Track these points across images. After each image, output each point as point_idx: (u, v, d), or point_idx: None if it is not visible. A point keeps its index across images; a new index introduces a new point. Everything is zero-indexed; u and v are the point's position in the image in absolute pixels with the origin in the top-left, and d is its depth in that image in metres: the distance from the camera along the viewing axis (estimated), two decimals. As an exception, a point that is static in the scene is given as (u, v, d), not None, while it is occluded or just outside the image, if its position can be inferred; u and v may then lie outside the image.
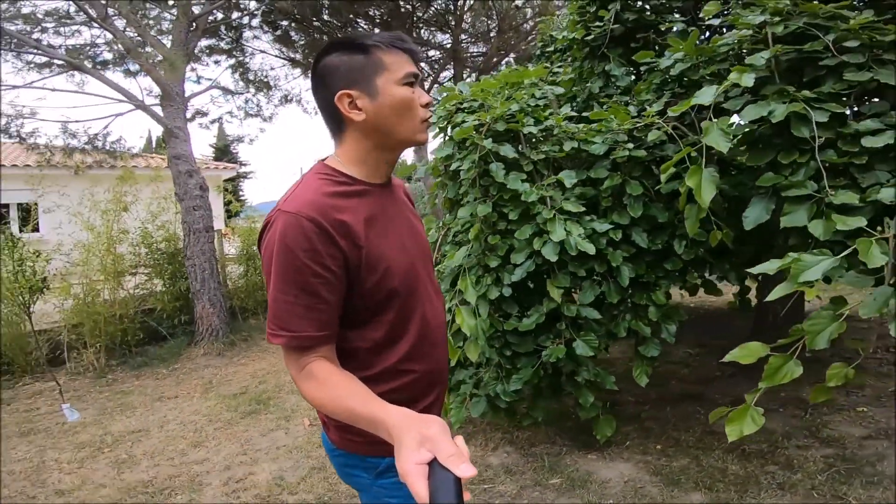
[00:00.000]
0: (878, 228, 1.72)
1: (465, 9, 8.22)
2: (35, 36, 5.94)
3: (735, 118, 2.27)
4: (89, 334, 5.61)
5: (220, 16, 6.64)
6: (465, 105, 2.79)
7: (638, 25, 3.05)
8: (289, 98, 7.59)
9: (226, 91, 7.29)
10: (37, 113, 6.30)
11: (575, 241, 2.20)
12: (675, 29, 2.99)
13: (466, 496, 0.64)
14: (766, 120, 2.05)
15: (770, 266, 1.60)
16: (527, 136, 2.54)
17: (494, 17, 8.04)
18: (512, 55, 8.69)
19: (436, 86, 8.33)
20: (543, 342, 2.45)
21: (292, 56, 7.62)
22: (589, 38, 3.00)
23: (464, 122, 2.55)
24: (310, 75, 1.07)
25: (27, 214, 7.17)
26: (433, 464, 0.66)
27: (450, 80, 8.36)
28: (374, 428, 0.82)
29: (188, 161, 6.09)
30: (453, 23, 7.79)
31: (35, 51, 5.49)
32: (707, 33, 3.16)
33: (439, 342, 1.15)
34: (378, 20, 7.25)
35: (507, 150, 2.42)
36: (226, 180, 13.14)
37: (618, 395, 3.46)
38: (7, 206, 8.99)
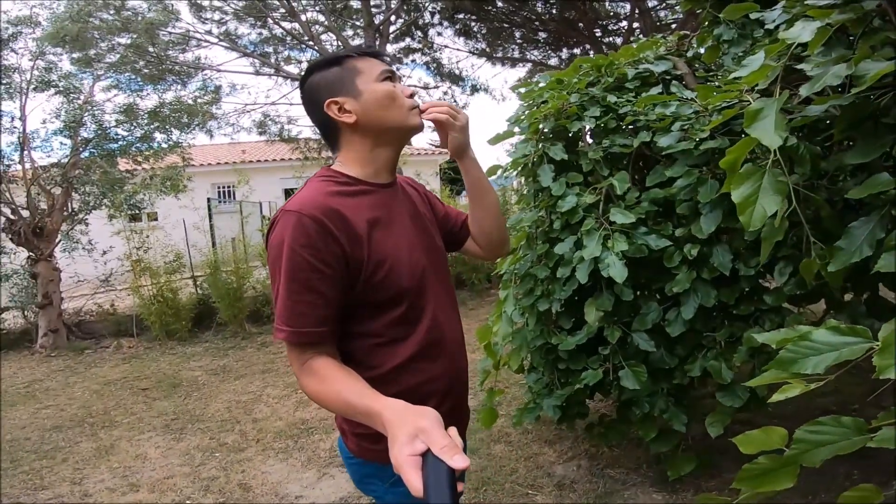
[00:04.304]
0: None
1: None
2: (285, 54, 7.45)
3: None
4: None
5: (406, 19, 7.16)
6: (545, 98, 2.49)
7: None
8: (477, 87, 7.74)
9: (422, 87, 7.85)
10: (296, 119, 7.90)
11: (611, 261, 1.81)
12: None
13: (460, 487, 0.61)
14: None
15: (771, 338, 1.05)
16: (580, 132, 2.15)
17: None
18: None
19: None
20: (593, 363, 2.11)
21: (476, 46, 7.72)
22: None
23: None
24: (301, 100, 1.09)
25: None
26: (427, 455, 0.63)
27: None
28: (369, 420, 0.79)
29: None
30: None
31: (275, 70, 6.88)
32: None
33: (452, 346, 1.08)
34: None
35: (556, 152, 2.09)
36: (446, 162, 14.32)
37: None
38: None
